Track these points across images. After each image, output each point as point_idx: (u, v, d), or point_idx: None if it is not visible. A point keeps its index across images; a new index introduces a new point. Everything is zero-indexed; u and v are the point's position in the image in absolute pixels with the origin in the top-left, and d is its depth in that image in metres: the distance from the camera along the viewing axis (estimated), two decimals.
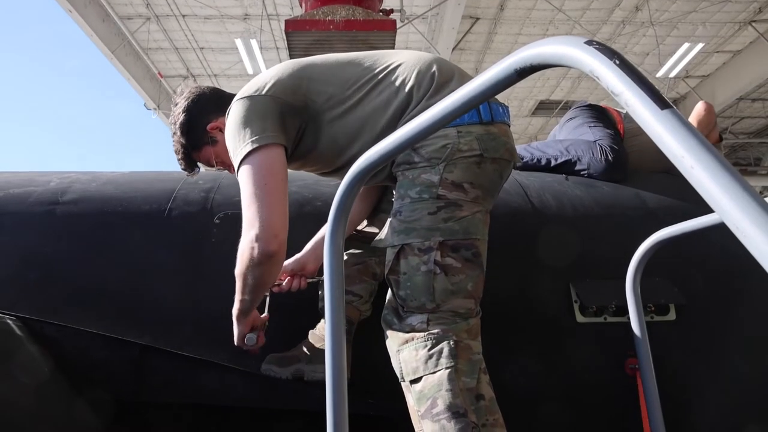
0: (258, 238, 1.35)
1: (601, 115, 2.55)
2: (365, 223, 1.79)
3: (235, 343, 1.56)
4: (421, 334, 1.30)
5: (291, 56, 5.81)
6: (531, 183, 2.16)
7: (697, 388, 1.81)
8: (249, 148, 1.40)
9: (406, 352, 1.31)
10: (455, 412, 1.20)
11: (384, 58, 1.53)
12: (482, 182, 1.38)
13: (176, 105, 1.71)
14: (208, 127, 1.65)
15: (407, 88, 1.44)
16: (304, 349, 1.65)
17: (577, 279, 1.88)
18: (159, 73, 12.10)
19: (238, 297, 1.48)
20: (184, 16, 10.35)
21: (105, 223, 1.92)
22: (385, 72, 1.49)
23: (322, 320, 1.67)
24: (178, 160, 1.72)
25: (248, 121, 1.43)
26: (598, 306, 1.81)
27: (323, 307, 1.64)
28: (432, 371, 1.26)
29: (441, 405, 1.21)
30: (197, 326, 1.76)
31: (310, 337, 1.68)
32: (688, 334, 1.85)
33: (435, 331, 1.29)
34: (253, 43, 10.19)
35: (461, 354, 1.27)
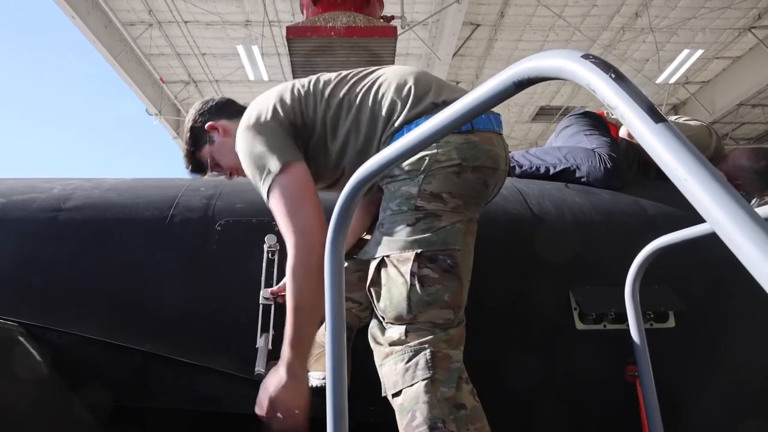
0: (310, 249, 1.36)
1: (596, 122, 2.56)
2: (365, 233, 1.81)
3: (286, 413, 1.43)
4: (399, 347, 1.31)
5: (292, 62, 5.83)
6: (530, 190, 2.17)
7: (697, 395, 1.81)
8: (273, 173, 1.43)
9: (387, 366, 1.33)
10: (433, 424, 1.21)
11: (366, 76, 1.58)
12: (462, 191, 1.38)
13: (192, 109, 1.83)
14: (207, 126, 1.74)
15: (387, 105, 1.48)
16: None
17: (577, 286, 1.88)
18: (161, 79, 12.15)
19: (293, 339, 1.40)
20: (186, 22, 10.40)
21: (107, 230, 1.92)
22: (366, 89, 1.54)
23: (323, 327, 1.67)
24: (185, 157, 1.83)
25: (261, 149, 1.47)
26: (597, 313, 1.82)
27: None
28: (410, 384, 1.26)
29: (419, 417, 1.22)
30: (198, 333, 1.76)
31: None
32: (688, 342, 1.86)
33: (412, 343, 1.30)
34: (255, 49, 10.24)
35: (438, 364, 1.27)
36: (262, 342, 1.60)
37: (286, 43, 5.75)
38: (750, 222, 0.46)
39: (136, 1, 9.76)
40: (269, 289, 1.70)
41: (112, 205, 1.99)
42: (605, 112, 2.70)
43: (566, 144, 2.51)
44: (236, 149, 1.56)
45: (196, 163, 1.80)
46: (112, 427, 1.65)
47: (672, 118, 2.93)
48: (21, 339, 1.60)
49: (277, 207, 1.43)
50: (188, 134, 1.77)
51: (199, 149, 1.77)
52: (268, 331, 1.65)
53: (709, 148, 2.62)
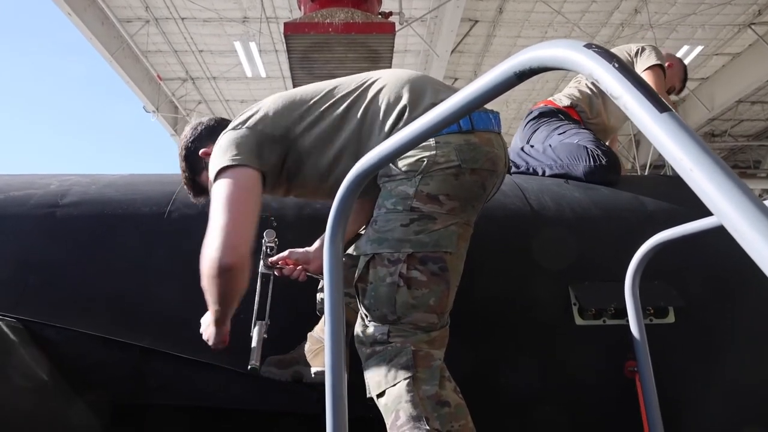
0: (217, 249, 1.33)
1: (559, 116, 2.55)
2: (365, 227, 1.80)
3: (210, 345, 1.55)
4: (381, 347, 1.32)
5: (290, 59, 5.80)
6: (530, 185, 2.16)
7: (696, 390, 1.81)
8: (223, 164, 1.42)
9: (369, 367, 1.33)
10: (417, 422, 1.21)
11: (361, 82, 1.54)
12: (459, 194, 1.37)
13: (183, 135, 1.75)
14: (201, 152, 1.67)
15: (382, 115, 1.45)
16: (304, 351, 1.65)
17: (576, 281, 1.88)
18: (158, 76, 12.09)
19: (210, 307, 1.45)
20: (183, 18, 10.34)
21: (105, 226, 1.92)
22: (359, 97, 1.50)
23: (321, 322, 1.67)
24: (184, 185, 1.76)
25: (226, 148, 1.45)
26: (597, 308, 1.82)
27: (322, 308, 1.65)
28: (392, 384, 1.27)
29: (403, 416, 1.22)
30: (197, 329, 1.75)
31: (309, 339, 1.68)
32: (687, 337, 1.85)
33: (394, 342, 1.31)
34: (252, 45, 10.20)
35: (420, 363, 1.28)
36: (255, 333, 1.59)
37: (283, 40, 5.73)
38: (758, 213, 0.45)
39: None
40: (270, 258, 1.69)
41: (109, 201, 1.98)
42: (552, 98, 2.68)
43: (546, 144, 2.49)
44: None
45: (198, 188, 1.74)
46: (111, 423, 1.64)
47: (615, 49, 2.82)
48: (19, 335, 1.59)
49: (212, 199, 1.41)
50: (184, 162, 1.72)
51: (197, 174, 1.71)
52: (263, 319, 1.64)
53: None
